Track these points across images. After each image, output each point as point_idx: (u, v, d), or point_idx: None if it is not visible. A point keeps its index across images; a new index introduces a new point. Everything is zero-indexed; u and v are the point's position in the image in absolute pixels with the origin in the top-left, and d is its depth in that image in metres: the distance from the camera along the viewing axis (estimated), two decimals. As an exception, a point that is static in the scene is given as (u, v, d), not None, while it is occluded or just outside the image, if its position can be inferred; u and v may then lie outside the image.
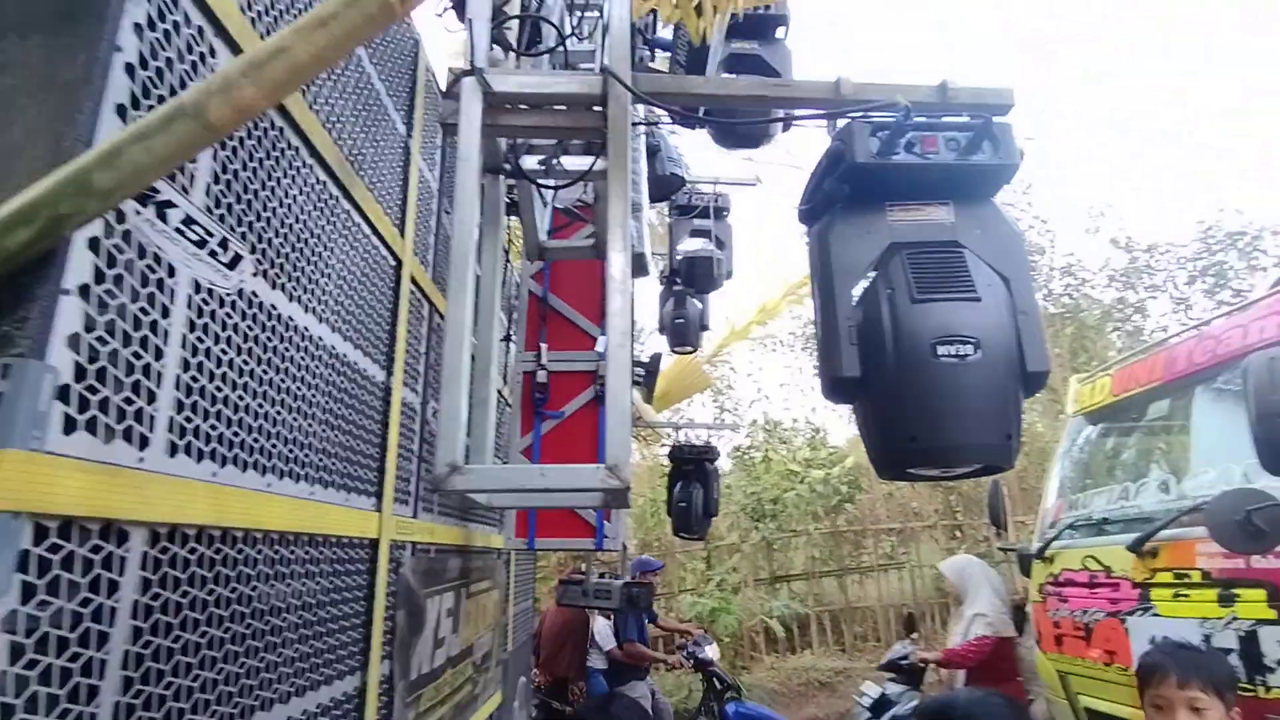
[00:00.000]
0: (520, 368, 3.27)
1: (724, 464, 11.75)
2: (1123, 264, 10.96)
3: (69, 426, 0.94)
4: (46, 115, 1.01)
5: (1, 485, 0.84)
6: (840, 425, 13.35)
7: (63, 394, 0.94)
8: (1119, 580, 3.31)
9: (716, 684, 5.64)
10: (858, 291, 1.56)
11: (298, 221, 1.61)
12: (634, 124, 1.76)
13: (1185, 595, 2.87)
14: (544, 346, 3.23)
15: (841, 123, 1.74)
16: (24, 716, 0.87)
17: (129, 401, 1.06)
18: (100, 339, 1.01)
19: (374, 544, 2.02)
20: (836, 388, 1.57)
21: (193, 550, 1.19)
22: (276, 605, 1.48)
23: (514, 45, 1.90)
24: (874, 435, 1.57)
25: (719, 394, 12.55)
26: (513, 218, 2.80)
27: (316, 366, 1.69)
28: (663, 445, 9.50)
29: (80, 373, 0.97)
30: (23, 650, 0.86)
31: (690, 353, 5.50)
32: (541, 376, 3.19)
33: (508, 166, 1.96)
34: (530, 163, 1.95)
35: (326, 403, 1.75)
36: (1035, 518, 4.41)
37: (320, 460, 1.70)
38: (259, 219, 1.44)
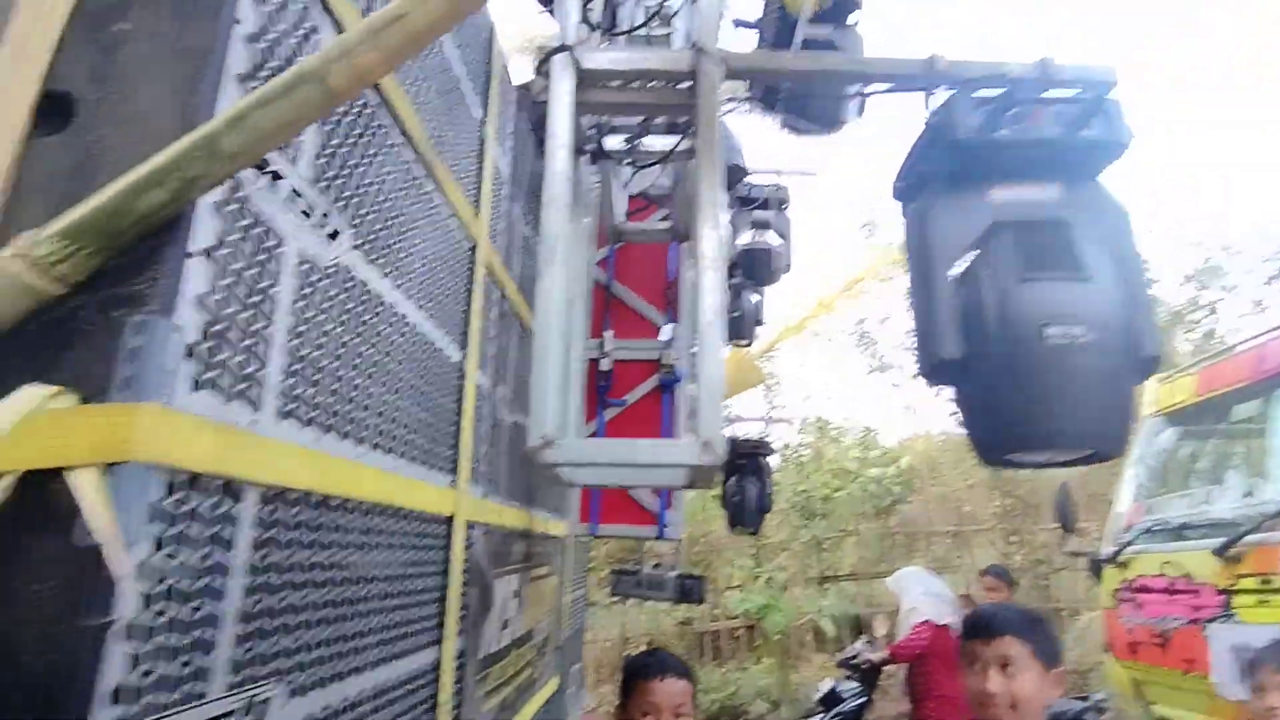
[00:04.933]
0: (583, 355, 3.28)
1: (774, 460, 11.58)
2: (1196, 263, 10.50)
3: (195, 385, 0.97)
4: (173, 82, 1.04)
5: (138, 437, 0.87)
6: (891, 426, 13.08)
7: (189, 354, 0.96)
8: (1200, 586, 3.18)
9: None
10: (957, 271, 1.51)
11: (388, 199, 1.63)
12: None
13: (1268, 601, 2.75)
14: (608, 334, 3.23)
15: (940, 98, 1.69)
16: (149, 665, 0.89)
17: (245, 365, 1.08)
18: (220, 302, 1.03)
19: (449, 521, 2.04)
20: (938, 370, 1.52)
21: (297, 513, 1.22)
22: (365, 574, 1.50)
23: (597, 25, 1.89)
24: (976, 419, 1.52)
25: (769, 389, 12.42)
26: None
27: (403, 343, 1.71)
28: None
29: (204, 333, 0.99)
30: (149, 600, 0.89)
31: (745, 346, 5.44)
32: (605, 364, 3.19)
33: (592, 147, 1.96)
34: (613, 143, 1.94)
35: (411, 379, 1.77)
36: (1098, 522, 4.26)
37: (405, 434, 1.73)
38: (355, 195, 1.46)
